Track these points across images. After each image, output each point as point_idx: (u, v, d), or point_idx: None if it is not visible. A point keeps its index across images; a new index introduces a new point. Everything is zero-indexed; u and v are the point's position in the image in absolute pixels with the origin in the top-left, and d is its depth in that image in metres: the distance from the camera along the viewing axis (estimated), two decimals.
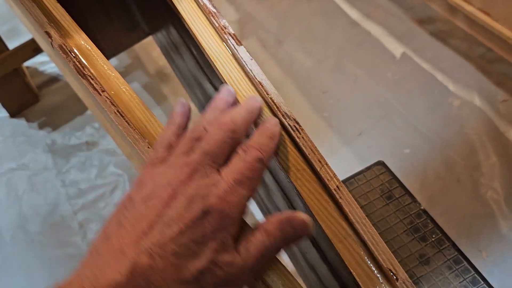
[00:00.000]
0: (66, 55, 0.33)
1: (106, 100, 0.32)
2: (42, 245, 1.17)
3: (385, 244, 0.28)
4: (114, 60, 1.53)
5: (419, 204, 0.57)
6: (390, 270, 0.27)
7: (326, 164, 0.32)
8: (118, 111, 0.31)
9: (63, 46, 0.33)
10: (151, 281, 0.26)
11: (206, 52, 0.36)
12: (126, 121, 0.31)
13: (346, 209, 0.30)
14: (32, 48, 1.36)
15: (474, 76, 1.26)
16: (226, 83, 0.36)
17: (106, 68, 0.34)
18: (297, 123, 0.33)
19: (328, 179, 0.31)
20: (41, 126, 1.43)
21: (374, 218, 0.57)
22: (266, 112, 0.35)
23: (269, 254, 0.30)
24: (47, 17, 0.35)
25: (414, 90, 1.28)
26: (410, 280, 0.27)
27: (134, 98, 0.34)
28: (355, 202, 0.29)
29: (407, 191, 0.59)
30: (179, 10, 0.37)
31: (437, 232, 0.55)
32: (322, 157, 0.33)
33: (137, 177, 0.31)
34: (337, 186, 0.30)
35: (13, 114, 1.47)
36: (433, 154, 1.15)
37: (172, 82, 1.44)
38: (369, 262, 0.28)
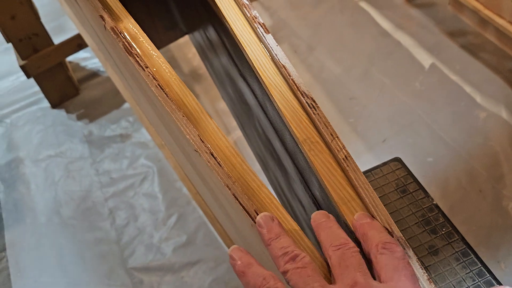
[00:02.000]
0: (116, 35, 0.39)
1: (148, 75, 0.37)
2: (73, 228, 1.24)
3: (384, 207, 0.31)
4: None
5: (432, 199, 0.60)
6: (386, 228, 0.30)
7: (337, 137, 0.36)
8: (158, 84, 0.36)
9: (114, 28, 0.38)
10: None
11: (238, 39, 0.41)
12: (165, 93, 0.36)
13: (352, 176, 0.33)
14: (76, 44, 1.44)
15: (503, 90, 1.27)
16: (254, 67, 0.40)
17: (150, 49, 0.39)
18: (314, 101, 0.37)
19: (338, 150, 0.34)
20: (79, 118, 1.51)
21: (388, 210, 0.60)
22: (287, 91, 0.39)
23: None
24: (101, 3, 0.40)
25: (440, 100, 1.29)
26: (404, 238, 0.30)
27: (173, 75, 0.39)
28: (360, 170, 0.33)
29: (421, 187, 0.61)
30: (217, 2, 0.41)
31: (447, 226, 0.57)
32: (334, 131, 0.36)
33: None
34: (345, 156, 0.34)
35: (55, 105, 1.56)
36: (456, 164, 1.16)
37: (204, 82, 1.50)
38: None
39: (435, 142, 1.22)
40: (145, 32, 0.91)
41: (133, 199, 1.26)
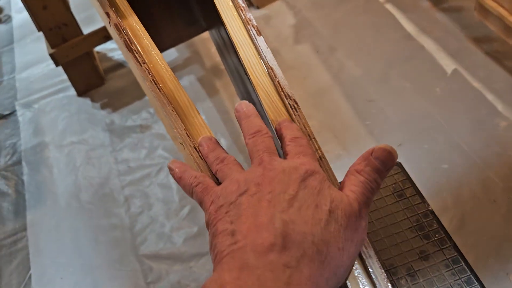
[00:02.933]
0: (119, 32, 0.41)
1: (145, 70, 0.39)
2: (90, 213, 1.29)
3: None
4: (174, 52, 1.64)
5: (428, 205, 0.60)
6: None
7: (314, 138, 0.37)
8: (153, 79, 0.38)
9: (118, 25, 0.41)
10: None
11: (232, 40, 0.42)
12: (158, 88, 0.38)
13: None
14: (103, 35, 1.49)
15: None
16: (245, 67, 0.42)
17: (150, 46, 0.42)
18: (296, 103, 0.39)
19: (315, 150, 0.36)
20: (103, 107, 1.56)
21: (383, 212, 0.61)
22: (273, 92, 0.40)
23: (370, 188, 0.36)
24: (108, 0, 0.43)
25: (460, 107, 1.27)
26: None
27: (168, 71, 0.41)
28: (332, 170, 0.34)
29: (418, 192, 0.62)
30: (216, 4, 0.43)
31: (440, 232, 0.57)
32: (311, 132, 0.38)
33: None
34: (320, 157, 0.35)
35: (80, 93, 1.62)
36: (472, 173, 1.15)
37: (224, 78, 1.52)
38: None
39: (451, 149, 1.20)
40: (166, 25, 0.94)
41: (149, 189, 1.30)
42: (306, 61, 1.51)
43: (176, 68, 1.59)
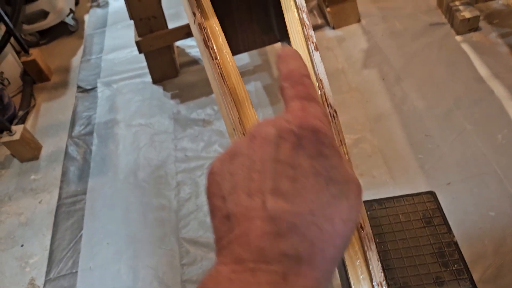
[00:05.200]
0: (200, 30, 0.48)
1: (215, 64, 0.46)
2: (144, 190, 1.39)
3: (363, 206, 0.37)
4: (246, 57, 1.73)
5: (453, 236, 0.62)
6: (360, 223, 0.36)
7: (345, 144, 0.42)
8: (220, 72, 0.45)
9: (200, 24, 0.48)
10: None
11: None
12: (223, 80, 0.45)
13: None
14: (185, 32, 1.61)
15: None
16: None
17: (223, 45, 0.49)
18: (335, 112, 0.44)
19: (344, 153, 0.41)
20: (173, 97, 1.68)
21: (408, 234, 0.64)
22: (319, 99, 0.46)
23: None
24: (196, 1, 0.50)
25: None
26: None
27: (234, 68, 0.48)
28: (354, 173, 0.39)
29: (446, 223, 0.64)
30: (286, 18, 0.50)
31: (459, 263, 0.60)
32: (343, 138, 0.43)
33: None
34: (346, 160, 0.40)
35: (156, 81, 1.75)
36: None
37: None
38: None
39: (502, 198, 1.18)
40: (243, 29, 1.01)
41: (200, 179, 1.39)
42: (370, 86, 1.54)
43: (245, 73, 1.67)
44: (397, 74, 1.55)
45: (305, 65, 0.34)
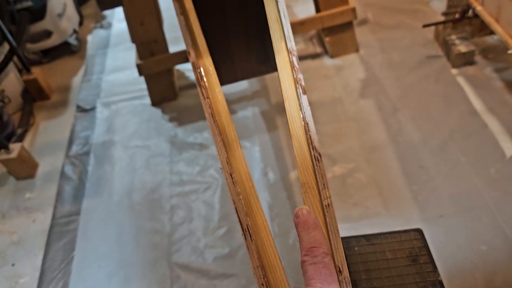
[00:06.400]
0: (194, 68, 0.50)
1: (206, 104, 0.47)
2: (137, 213, 1.40)
3: (343, 250, 0.38)
4: (245, 83, 1.75)
5: (438, 275, 0.62)
6: (339, 267, 0.36)
7: (327, 188, 0.43)
8: (211, 113, 0.47)
9: (194, 63, 0.50)
10: None
11: (282, 93, 0.49)
12: (214, 120, 0.46)
13: (328, 220, 0.40)
14: (185, 56, 1.64)
15: None
16: (288, 117, 0.49)
17: (215, 84, 0.50)
18: (320, 155, 0.45)
19: (324, 198, 0.41)
20: (171, 120, 1.69)
21: (394, 272, 0.64)
22: (304, 142, 0.47)
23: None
24: (192, 40, 0.52)
25: None
26: (349, 278, 0.36)
27: (224, 108, 0.49)
28: (335, 218, 0.39)
29: (432, 261, 0.64)
30: (276, 60, 0.51)
31: None
32: (327, 182, 0.44)
33: None
34: (328, 204, 0.41)
35: (154, 103, 1.77)
36: (510, 261, 1.12)
37: (286, 116, 1.60)
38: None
39: (494, 233, 1.18)
40: (241, 58, 1.04)
41: (194, 203, 1.39)
42: (367, 116, 1.56)
43: (243, 99, 1.69)
44: (393, 105, 1.57)
45: (324, 237, 0.39)
